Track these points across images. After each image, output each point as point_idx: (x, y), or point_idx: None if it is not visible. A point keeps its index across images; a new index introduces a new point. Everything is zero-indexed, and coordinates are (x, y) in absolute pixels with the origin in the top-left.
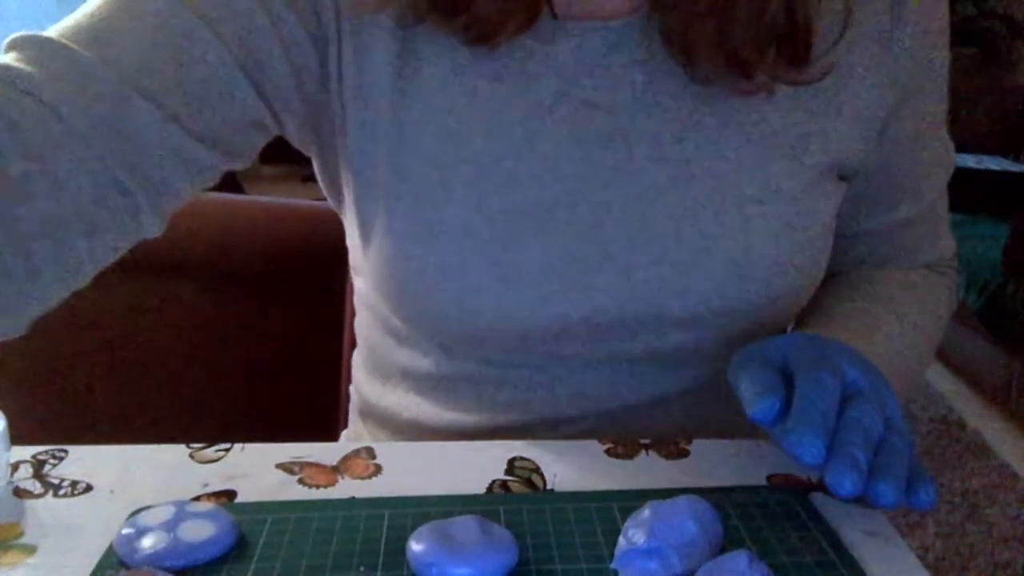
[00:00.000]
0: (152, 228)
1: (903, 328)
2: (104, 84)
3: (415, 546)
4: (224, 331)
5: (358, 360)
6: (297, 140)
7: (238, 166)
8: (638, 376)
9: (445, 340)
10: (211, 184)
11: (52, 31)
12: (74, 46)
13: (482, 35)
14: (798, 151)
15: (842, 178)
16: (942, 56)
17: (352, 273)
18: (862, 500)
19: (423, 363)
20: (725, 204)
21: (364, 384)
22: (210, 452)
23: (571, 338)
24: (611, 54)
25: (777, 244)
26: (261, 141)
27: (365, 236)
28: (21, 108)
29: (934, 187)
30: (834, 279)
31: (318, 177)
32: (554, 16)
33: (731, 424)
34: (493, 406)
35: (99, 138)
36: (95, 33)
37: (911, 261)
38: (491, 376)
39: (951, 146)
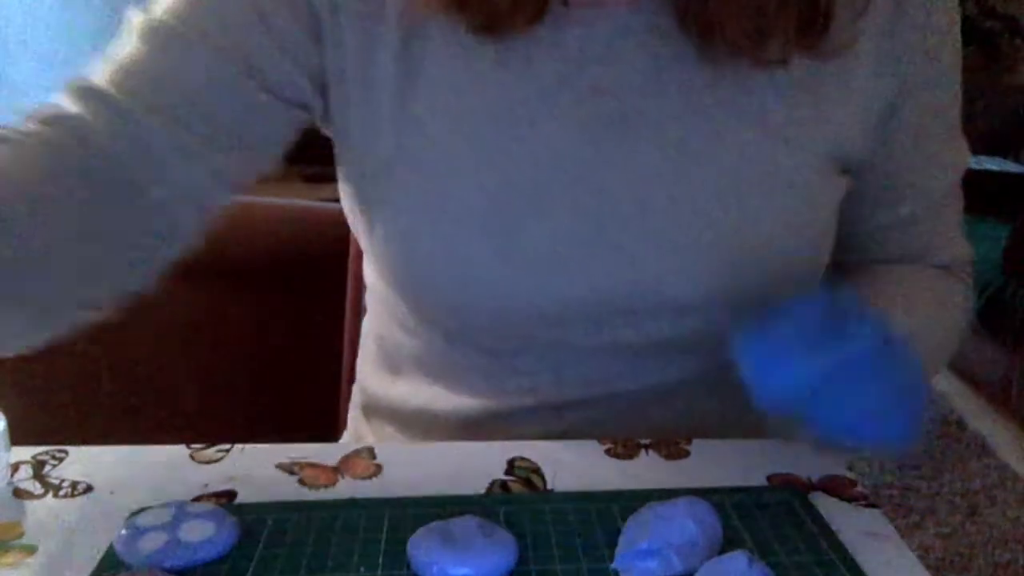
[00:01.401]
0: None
1: (912, 322)
2: (159, 142)
3: (415, 546)
4: (224, 331)
5: (365, 357)
6: (325, 130)
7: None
8: (641, 364)
9: (451, 328)
10: None
11: (105, 78)
12: (125, 100)
13: (492, 27)
14: (800, 139)
15: (845, 172)
16: (950, 51)
17: (365, 264)
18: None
19: (431, 352)
20: (725, 189)
21: (371, 379)
22: (210, 452)
23: (572, 323)
24: (618, 40)
25: (775, 230)
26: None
27: (369, 220)
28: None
29: (941, 186)
30: (843, 276)
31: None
32: (564, 2)
33: (735, 417)
34: (500, 392)
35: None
36: (144, 81)
37: (922, 263)
38: (498, 364)
39: (964, 147)
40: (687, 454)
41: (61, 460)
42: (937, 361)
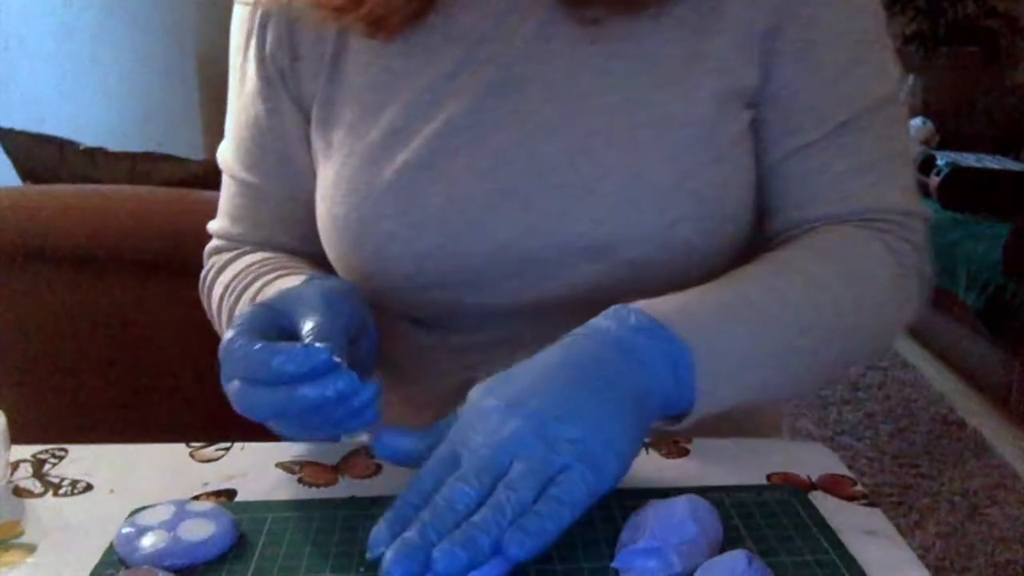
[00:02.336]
0: None
1: (769, 314)
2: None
3: None
4: None
5: None
6: None
7: None
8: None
9: (391, 305)
10: None
11: (223, 225)
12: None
13: (372, 29)
14: (684, 76)
15: (749, 106)
16: None
17: None
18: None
19: (400, 341)
20: (617, 134)
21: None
22: (210, 451)
23: (492, 282)
24: (505, 16)
25: (668, 168)
26: None
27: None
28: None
29: (843, 113)
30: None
31: None
32: None
33: None
34: (472, 367)
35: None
36: (248, 219)
37: (839, 204)
38: (460, 342)
39: (880, 77)
40: (687, 453)
41: (61, 459)
42: (807, 332)
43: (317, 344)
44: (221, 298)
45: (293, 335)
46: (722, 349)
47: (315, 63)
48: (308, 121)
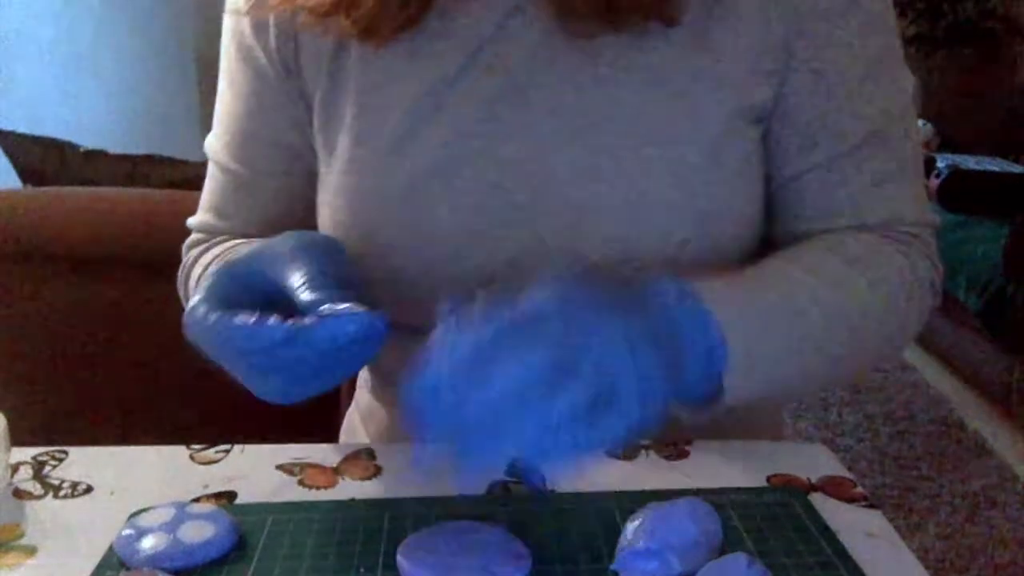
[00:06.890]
0: None
1: (806, 294)
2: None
3: (403, 560)
4: None
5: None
6: None
7: None
8: None
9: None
10: None
11: (205, 217)
12: (222, 227)
13: (364, 35)
14: (693, 91)
15: (759, 121)
16: None
17: None
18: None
19: (394, 350)
20: (624, 149)
21: (364, 388)
22: (210, 453)
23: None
24: (509, 20)
25: (674, 187)
26: None
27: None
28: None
29: (860, 129)
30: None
31: None
32: None
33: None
34: None
35: None
36: (235, 214)
37: (857, 218)
38: None
39: (895, 89)
40: (687, 454)
41: (61, 461)
42: (835, 336)
43: (272, 318)
44: (199, 278)
45: (274, 293)
46: (757, 350)
47: (315, 58)
48: (310, 118)
